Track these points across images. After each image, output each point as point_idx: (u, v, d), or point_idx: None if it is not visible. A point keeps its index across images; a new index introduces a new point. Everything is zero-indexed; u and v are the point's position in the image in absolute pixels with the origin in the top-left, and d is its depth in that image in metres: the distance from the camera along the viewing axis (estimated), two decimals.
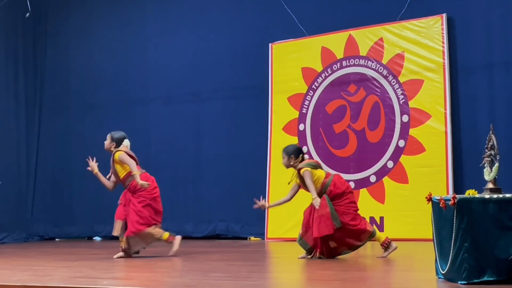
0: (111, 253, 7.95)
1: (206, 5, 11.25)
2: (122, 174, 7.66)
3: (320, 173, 7.00)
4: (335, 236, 6.82)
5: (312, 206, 6.95)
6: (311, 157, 9.97)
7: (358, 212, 6.99)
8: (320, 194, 6.89)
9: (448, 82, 9.22)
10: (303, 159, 7.07)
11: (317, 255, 6.85)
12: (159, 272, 5.97)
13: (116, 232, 7.71)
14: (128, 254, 7.69)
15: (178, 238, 7.74)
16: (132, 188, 7.61)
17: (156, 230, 7.68)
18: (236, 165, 10.81)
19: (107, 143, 7.78)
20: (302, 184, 7.03)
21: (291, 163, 7.04)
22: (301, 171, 6.92)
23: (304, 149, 10.09)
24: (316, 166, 7.08)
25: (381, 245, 6.93)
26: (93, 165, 7.86)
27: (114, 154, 7.62)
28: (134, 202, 7.57)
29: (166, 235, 7.71)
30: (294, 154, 7.05)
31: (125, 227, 7.66)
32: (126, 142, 7.77)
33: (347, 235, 6.84)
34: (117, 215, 7.74)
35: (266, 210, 7.46)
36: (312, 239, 6.92)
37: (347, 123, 9.88)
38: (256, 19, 10.84)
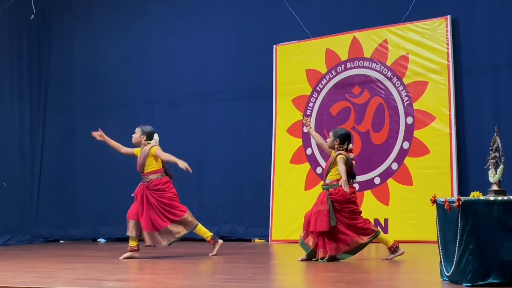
0: (116, 255, 7.96)
1: (210, 7, 11.25)
2: (150, 168, 7.74)
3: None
4: (336, 234, 6.82)
5: (312, 209, 6.99)
6: (315, 158, 9.98)
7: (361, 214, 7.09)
8: (324, 188, 7.07)
9: (452, 84, 9.20)
10: (347, 149, 7.13)
11: (321, 255, 6.82)
12: (164, 274, 5.97)
13: (129, 232, 7.70)
14: (134, 254, 7.69)
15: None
16: (152, 186, 7.67)
17: (174, 227, 7.67)
18: (240, 167, 10.80)
19: (136, 136, 7.87)
20: (326, 168, 7.15)
21: (335, 145, 7.13)
22: (338, 157, 6.98)
23: (309, 151, 10.09)
24: (351, 166, 7.10)
25: (389, 248, 6.93)
26: (99, 133, 8.04)
27: (150, 148, 7.72)
28: (153, 201, 7.60)
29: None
30: (340, 138, 7.13)
31: (138, 226, 7.65)
32: (156, 137, 7.92)
33: (350, 232, 6.84)
34: (130, 214, 7.73)
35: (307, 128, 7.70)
36: (312, 241, 6.92)
37: (352, 125, 9.87)
38: (260, 21, 10.84)
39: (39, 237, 11.99)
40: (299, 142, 10.22)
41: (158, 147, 7.81)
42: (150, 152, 7.75)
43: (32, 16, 10.25)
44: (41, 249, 10.17)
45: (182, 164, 7.54)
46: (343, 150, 7.09)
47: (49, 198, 12.13)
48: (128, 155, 8.11)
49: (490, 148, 4.84)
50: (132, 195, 7.88)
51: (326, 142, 7.31)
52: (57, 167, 12.18)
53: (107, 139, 8.08)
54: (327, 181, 7.08)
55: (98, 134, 8.11)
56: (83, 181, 11.90)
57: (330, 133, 7.27)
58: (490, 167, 4.81)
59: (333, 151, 7.22)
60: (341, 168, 6.90)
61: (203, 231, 7.85)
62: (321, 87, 10.19)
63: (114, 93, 11.84)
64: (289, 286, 5.38)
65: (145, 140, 7.84)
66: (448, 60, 9.24)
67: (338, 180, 6.94)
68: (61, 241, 12.05)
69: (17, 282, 5.40)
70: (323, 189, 7.09)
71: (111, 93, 11.89)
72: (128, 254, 7.70)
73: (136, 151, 7.98)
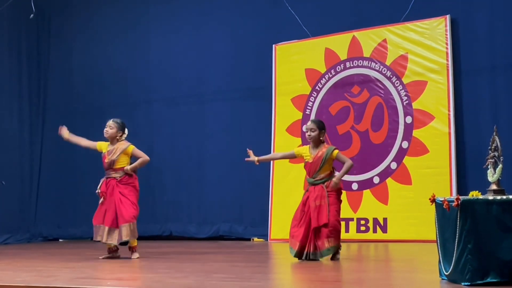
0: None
1: (210, 6, 11.25)
2: (121, 165, 7.64)
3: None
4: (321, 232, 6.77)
5: (306, 206, 6.91)
6: None
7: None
8: (317, 183, 6.90)
9: (451, 84, 9.21)
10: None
11: (310, 250, 6.77)
12: (163, 273, 5.97)
13: (105, 238, 7.53)
14: (116, 254, 7.65)
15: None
16: (125, 181, 7.60)
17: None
18: (239, 166, 10.76)
19: (113, 131, 7.71)
20: (318, 166, 6.91)
21: (320, 138, 6.98)
22: (335, 153, 6.92)
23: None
24: None
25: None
26: (63, 130, 7.84)
27: (128, 147, 7.65)
28: (126, 194, 7.54)
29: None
30: (324, 129, 7.07)
31: (112, 230, 7.56)
32: (126, 131, 7.83)
33: (329, 233, 6.78)
34: (107, 220, 7.57)
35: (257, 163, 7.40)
36: (298, 241, 6.83)
37: (351, 124, 9.88)
38: (259, 20, 10.85)
39: (38, 236, 12.00)
40: (298, 141, 10.22)
41: (134, 146, 7.73)
42: (126, 151, 7.66)
43: (31, 15, 10.25)
44: (40, 248, 10.17)
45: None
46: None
47: (48, 197, 12.13)
48: (89, 149, 7.93)
49: (489, 147, 4.84)
50: (99, 192, 7.74)
51: (309, 135, 6.99)
52: (56, 166, 12.18)
53: (72, 138, 7.90)
54: (319, 176, 6.93)
55: (64, 132, 7.86)
56: (82, 180, 11.87)
57: (311, 126, 7.00)
58: (489, 166, 4.81)
59: (308, 148, 7.05)
60: (348, 162, 6.95)
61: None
62: (321, 86, 10.20)
63: (113, 93, 11.84)
64: (287, 285, 5.38)
65: (120, 136, 7.74)
66: (447, 60, 9.25)
67: (329, 174, 6.92)
68: (60, 240, 12.05)
69: (16, 281, 5.40)
70: (316, 184, 6.92)
71: (110, 92, 11.89)
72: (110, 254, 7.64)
73: (100, 145, 7.81)
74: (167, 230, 11.23)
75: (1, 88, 11.67)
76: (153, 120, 11.59)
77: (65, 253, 8.86)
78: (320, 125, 7.04)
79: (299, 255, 6.81)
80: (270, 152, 10.37)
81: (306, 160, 7.03)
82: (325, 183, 6.89)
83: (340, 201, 6.98)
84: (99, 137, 7.91)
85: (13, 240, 11.35)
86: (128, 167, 7.62)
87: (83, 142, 7.95)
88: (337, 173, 6.99)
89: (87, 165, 11.85)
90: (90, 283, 5.29)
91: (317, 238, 6.77)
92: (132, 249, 7.60)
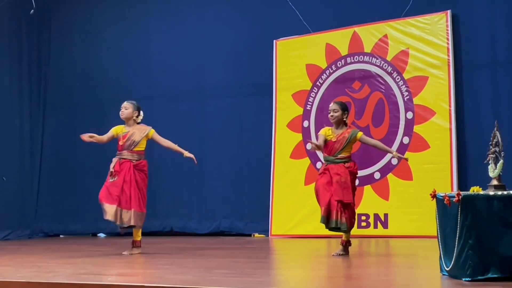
0: (115, 250, 7.95)
1: (210, 1, 11.24)
2: (140, 148, 7.67)
3: None
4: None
5: (328, 179, 6.86)
6: (315, 153, 9.98)
7: None
8: (338, 162, 6.91)
9: (452, 79, 9.20)
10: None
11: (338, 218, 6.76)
12: (163, 268, 5.97)
13: (112, 216, 7.42)
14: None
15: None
16: (141, 166, 7.60)
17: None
18: (240, 162, 10.80)
19: (129, 112, 7.75)
20: (342, 145, 6.95)
21: (344, 119, 7.05)
22: (359, 135, 7.01)
23: (308, 146, 10.09)
24: None
25: (343, 243, 6.89)
26: (84, 137, 7.62)
27: (149, 131, 7.74)
28: (140, 183, 7.54)
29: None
30: (347, 110, 7.10)
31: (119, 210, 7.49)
32: (142, 113, 7.91)
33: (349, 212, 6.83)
34: (123, 203, 7.47)
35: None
36: (324, 205, 6.78)
37: (352, 120, 9.85)
38: (260, 16, 10.83)
39: (39, 232, 12.00)
40: (299, 137, 10.21)
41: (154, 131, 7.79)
42: (147, 134, 7.71)
43: (32, 11, 10.23)
44: (41, 244, 10.17)
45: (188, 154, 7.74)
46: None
47: (49, 193, 12.13)
48: (110, 140, 7.84)
49: (490, 142, 4.84)
50: (112, 170, 7.59)
51: (331, 116, 7.04)
52: (57, 162, 12.18)
53: (96, 137, 7.68)
54: (340, 155, 6.93)
55: (88, 136, 7.63)
56: (83, 176, 11.89)
57: (334, 107, 7.07)
58: (490, 161, 4.81)
59: (331, 129, 7.06)
60: (375, 141, 7.34)
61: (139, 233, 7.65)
62: (321, 82, 10.19)
63: (113, 89, 11.83)
64: (288, 280, 5.38)
65: (137, 116, 7.80)
66: (448, 55, 9.24)
67: (349, 156, 6.95)
68: (61, 236, 12.05)
69: (17, 277, 5.41)
70: (337, 162, 6.91)
71: (110, 88, 11.88)
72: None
73: (115, 130, 7.78)
74: (167, 226, 11.23)
75: (1, 84, 11.66)
76: (154, 116, 11.51)
77: (66, 249, 8.87)
78: (343, 106, 7.11)
79: (325, 220, 6.77)
80: (271, 148, 10.39)
81: (329, 139, 7.02)
82: (346, 164, 6.90)
83: (355, 186, 7.02)
84: (99, 133, 7.90)
85: (14, 236, 11.35)
86: (188, 154, 7.88)
87: (104, 138, 7.79)
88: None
89: (88, 161, 11.87)
90: (90, 279, 5.30)
91: (341, 210, 6.77)
92: (134, 243, 7.56)
